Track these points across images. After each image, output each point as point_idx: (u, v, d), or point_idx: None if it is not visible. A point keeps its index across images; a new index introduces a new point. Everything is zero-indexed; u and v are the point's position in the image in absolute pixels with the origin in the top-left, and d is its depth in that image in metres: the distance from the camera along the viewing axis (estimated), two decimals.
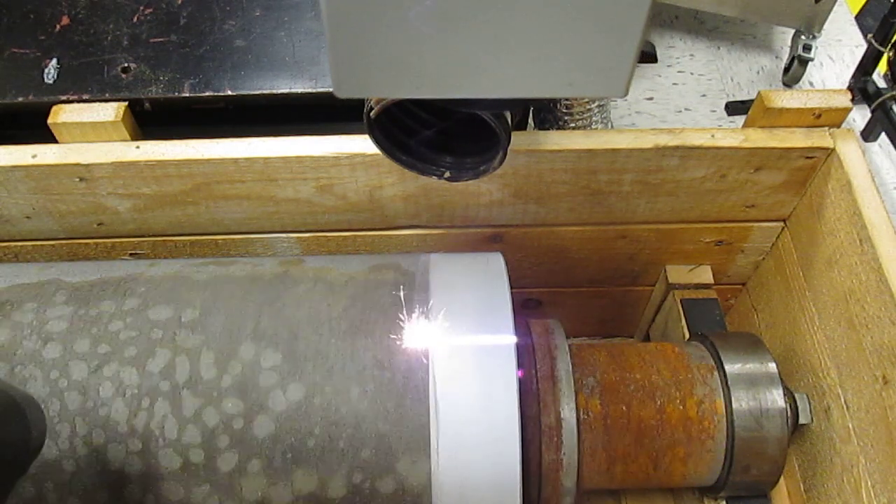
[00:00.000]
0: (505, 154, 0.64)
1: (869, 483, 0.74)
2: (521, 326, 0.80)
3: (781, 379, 0.79)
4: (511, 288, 0.72)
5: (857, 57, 1.45)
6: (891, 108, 1.29)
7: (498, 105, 0.59)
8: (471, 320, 0.69)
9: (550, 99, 1.00)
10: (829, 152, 0.82)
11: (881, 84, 1.38)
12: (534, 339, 0.79)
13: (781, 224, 0.93)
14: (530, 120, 1.11)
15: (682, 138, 0.81)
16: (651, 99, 1.55)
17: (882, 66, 1.37)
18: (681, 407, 0.77)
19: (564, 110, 1.00)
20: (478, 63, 0.47)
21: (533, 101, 0.61)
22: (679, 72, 1.60)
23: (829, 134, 0.82)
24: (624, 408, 0.76)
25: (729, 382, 0.78)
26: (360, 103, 0.62)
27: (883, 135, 1.33)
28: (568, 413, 0.73)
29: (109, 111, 0.81)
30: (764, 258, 0.99)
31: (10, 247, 0.93)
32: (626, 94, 0.48)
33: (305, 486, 0.64)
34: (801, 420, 0.82)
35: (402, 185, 0.84)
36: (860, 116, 1.43)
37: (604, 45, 0.46)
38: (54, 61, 0.92)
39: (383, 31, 0.46)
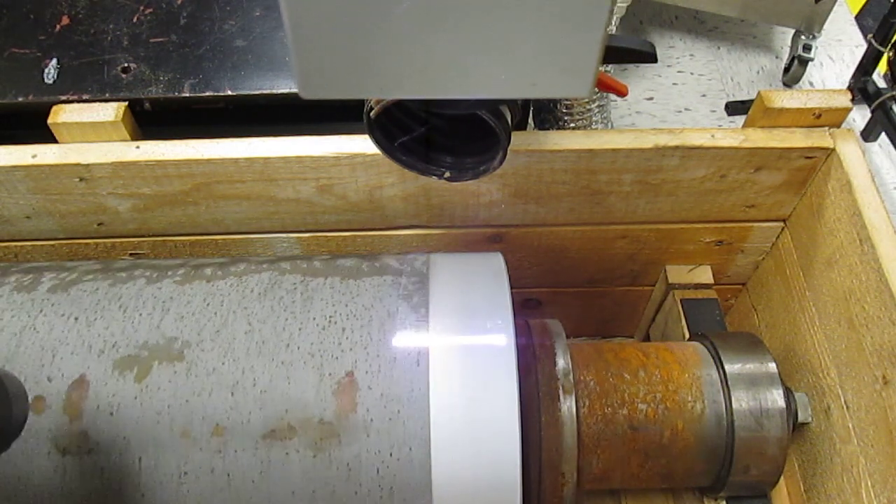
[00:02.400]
0: (505, 154, 0.64)
1: (869, 483, 0.74)
2: (521, 326, 0.80)
3: (781, 379, 0.79)
4: (511, 288, 0.72)
5: (857, 57, 1.45)
6: (891, 108, 1.29)
7: (471, 105, 0.59)
8: (471, 320, 0.69)
9: (551, 100, 1.00)
10: (829, 152, 0.82)
11: (881, 84, 1.38)
12: (534, 338, 0.79)
13: (781, 224, 0.93)
14: (530, 120, 1.11)
15: (682, 138, 0.81)
16: (651, 99, 1.55)
17: (882, 66, 1.37)
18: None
19: (564, 110, 1.00)
20: (441, 64, 0.47)
21: (505, 101, 0.62)
22: (679, 72, 1.60)
23: (829, 134, 0.82)
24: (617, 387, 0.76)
25: (729, 382, 0.78)
26: (360, 103, 0.62)
27: (883, 135, 1.33)
28: (569, 412, 0.73)
29: (109, 111, 0.81)
30: (764, 258, 0.99)
31: (10, 247, 0.93)
32: (590, 94, 0.49)
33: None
34: (801, 419, 0.82)
35: (402, 185, 0.84)
36: (860, 116, 1.44)
37: (567, 46, 0.46)
38: (54, 61, 0.92)
39: (348, 33, 0.46)
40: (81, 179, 0.82)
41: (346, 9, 0.44)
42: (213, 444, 0.64)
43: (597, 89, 0.97)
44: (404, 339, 0.67)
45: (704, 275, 1.01)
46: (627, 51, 0.64)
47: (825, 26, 1.46)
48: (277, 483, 0.64)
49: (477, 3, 0.44)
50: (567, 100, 0.98)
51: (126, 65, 0.91)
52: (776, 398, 0.77)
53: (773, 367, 0.79)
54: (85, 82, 0.90)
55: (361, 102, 0.62)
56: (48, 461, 0.63)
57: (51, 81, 0.90)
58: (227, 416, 0.64)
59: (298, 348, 0.67)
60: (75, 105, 0.82)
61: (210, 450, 0.64)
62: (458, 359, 0.66)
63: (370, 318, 0.68)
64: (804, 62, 1.48)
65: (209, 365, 0.66)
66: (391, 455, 0.63)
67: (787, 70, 1.54)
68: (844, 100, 0.81)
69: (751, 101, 0.85)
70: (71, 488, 0.63)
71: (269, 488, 0.63)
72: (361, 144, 0.80)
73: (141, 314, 0.69)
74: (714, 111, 1.53)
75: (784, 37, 1.66)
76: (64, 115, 0.81)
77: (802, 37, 1.47)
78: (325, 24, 0.45)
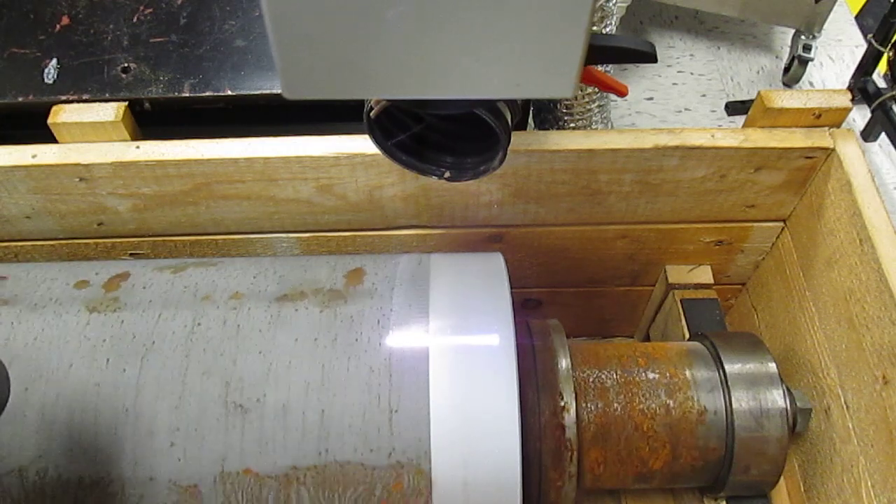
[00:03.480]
0: (505, 154, 0.64)
1: (869, 483, 0.74)
2: (521, 326, 0.80)
3: (781, 379, 0.79)
4: (511, 288, 0.72)
5: (857, 57, 1.45)
6: (891, 108, 1.29)
7: (465, 105, 0.59)
8: (471, 320, 0.69)
9: (550, 100, 1.00)
10: (829, 152, 0.82)
11: (881, 84, 1.38)
12: (534, 338, 0.79)
13: (781, 224, 0.93)
14: (530, 120, 1.11)
15: (682, 138, 0.81)
16: (651, 99, 1.55)
17: (882, 66, 1.37)
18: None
19: (564, 110, 1.00)
20: (423, 64, 0.47)
21: (505, 100, 0.62)
22: (679, 72, 1.60)
23: (829, 134, 0.82)
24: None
25: (729, 382, 0.78)
26: (360, 103, 0.62)
27: (883, 135, 1.33)
28: (569, 412, 0.73)
29: (109, 111, 0.81)
30: (764, 258, 0.99)
31: (10, 247, 0.93)
32: (573, 94, 0.49)
33: None
34: (799, 424, 0.82)
35: (402, 185, 0.84)
36: (860, 116, 1.44)
37: (549, 46, 0.46)
38: (54, 61, 0.92)
39: (330, 33, 0.46)
40: (81, 179, 0.82)
41: (329, 8, 0.44)
42: (230, 304, 0.71)
43: (597, 89, 0.97)
44: (408, 256, 0.78)
45: (704, 275, 1.01)
46: (627, 51, 0.64)
47: (825, 26, 1.47)
48: (283, 331, 0.68)
49: (460, 4, 0.44)
50: (567, 99, 0.98)
51: (126, 65, 0.91)
52: (776, 398, 0.77)
53: (773, 367, 0.79)
54: (85, 82, 0.90)
55: (361, 102, 0.62)
56: (76, 317, 0.70)
57: (51, 81, 0.90)
58: (248, 287, 0.73)
59: (316, 261, 0.78)
60: (75, 105, 0.82)
61: (226, 308, 0.70)
62: (457, 359, 0.66)
63: (377, 255, 0.80)
64: (804, 62, 1.48)
65: (237, 267, 0.77)
66: (392, 310, 0.70)
67: (787, 70, 1.54)
68: (844, 100, 0.81)
69: (751, 101, 0.85)
70: (90, 334, 0.68)
71: (275, 336, 0.68)
72: (361, 144, 0.80)
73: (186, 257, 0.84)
74: (714, 111, 1.53)
75: (784, 37, 1.66)
76: (64, 115, 0.81)
77: (802, 37, 1.47)
78: (308, 24, 0.45)
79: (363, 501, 0.64)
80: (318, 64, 0.48)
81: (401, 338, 0.68)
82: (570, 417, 0.73)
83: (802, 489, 0.87)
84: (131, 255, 0.94)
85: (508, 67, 0.48)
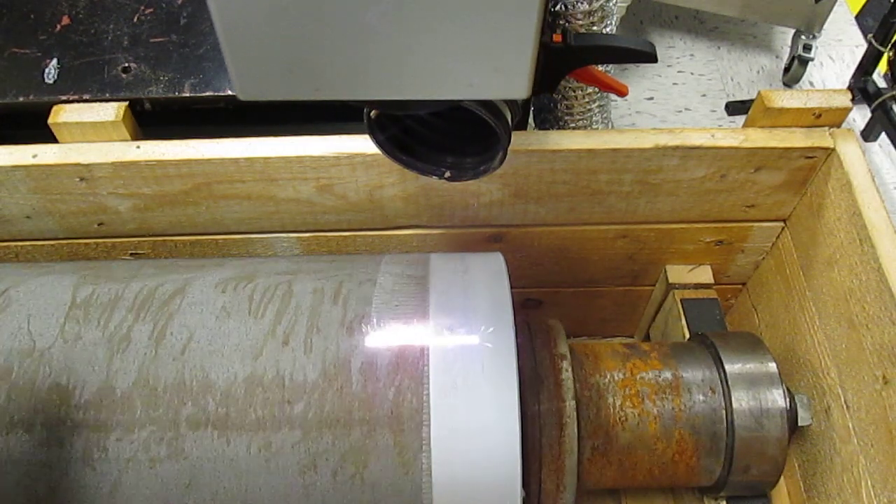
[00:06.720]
0: (505, 154, 0.64)
1: (869, 483, 0.74)
2: (521, 326, 0.80)
3: (781, 379, 0.79)
4: (511, 288, 0.72)
5: (857, 57, 1.45)
6: (891, 108, 1.29)
7: (447, 103, 0.59)
8: (471, 320, 0.69)
9: (550, 100, 1.00)
10: (829, 152, 0.82)
11: (881, 84, 1.38)
12: (534, 338, 0.79)
13: (781, 224, 0.93)
14: (530, 120, 1.11)
15: (682, 138, 0.81)
16: (651, 99, 1.55)
17: (882, 66, 1.37)
18: None
19: (565, 110, 1.00)
20: (374, 65, 0.47)
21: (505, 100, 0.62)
22: (679, 72, 1.60)
23: (829, 134, 0.82)
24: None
25: (729, 382, 0.78)
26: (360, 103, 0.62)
27: (883, 135, 1.33)
28: (569, 412, 0.73)
29: (109, 111, 0.81)
30: (764, 258, 0.99)
31: (10, 247, 0.93)
32: (529, 94, 0.49)
33: None
34: (801, 421, 0.82)
35: (402, 185, 0.84)
36: (860, 116, 1.44)
37: (500, 46, 0.46)
38: (54, 61, 0.92)
39: (279, 33, 0.45)
40: (82, 179, 0.82)
41: (277, 9, 0.44)
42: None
43: (597, 89, 0.97)
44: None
45: (704, 275, 1.01)
46: (627, 51, 0.64)
47: (825, 26, 1.47)
48: None
49: (410, 5, 0.44)
50: (567, 99, 0.98)
51: (126, 65, 0.91)
52: (776, 398, 0.77)
53: (773, 367, 0.79)
54: (85, 82, 0.90)
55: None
56: None
57: (51, 81, 0.90)
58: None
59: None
60: (76, 105, 0.82)
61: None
62: (457, 359, 0.66)
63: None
64: (804, 62, 1.48)
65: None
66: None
67: (787, 70, 1.54)
68: (844, 100, 0.81)
69: (751, 101, 0.85)
70: None
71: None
72: (361, 144, 0.80)
73: None
74: (714, 111, 1.53)
75: (784, 37, 1.66)
76: (64, 114, 0.81)
77: (802, 37, 1.47)
78: (257, 25, 0.45)
79: None
80: (269, 64, 0.47)
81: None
82: (570, 417, 0.73)
83: (802, 489, 0.87)
84: (132, 254, 0.94)
85: (460, 67, 0.47)
